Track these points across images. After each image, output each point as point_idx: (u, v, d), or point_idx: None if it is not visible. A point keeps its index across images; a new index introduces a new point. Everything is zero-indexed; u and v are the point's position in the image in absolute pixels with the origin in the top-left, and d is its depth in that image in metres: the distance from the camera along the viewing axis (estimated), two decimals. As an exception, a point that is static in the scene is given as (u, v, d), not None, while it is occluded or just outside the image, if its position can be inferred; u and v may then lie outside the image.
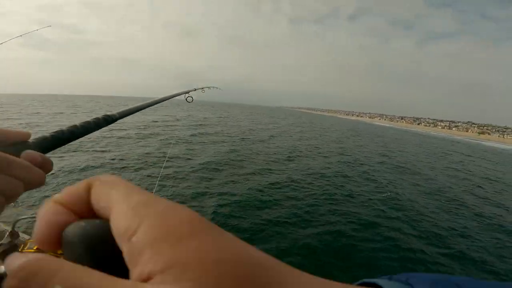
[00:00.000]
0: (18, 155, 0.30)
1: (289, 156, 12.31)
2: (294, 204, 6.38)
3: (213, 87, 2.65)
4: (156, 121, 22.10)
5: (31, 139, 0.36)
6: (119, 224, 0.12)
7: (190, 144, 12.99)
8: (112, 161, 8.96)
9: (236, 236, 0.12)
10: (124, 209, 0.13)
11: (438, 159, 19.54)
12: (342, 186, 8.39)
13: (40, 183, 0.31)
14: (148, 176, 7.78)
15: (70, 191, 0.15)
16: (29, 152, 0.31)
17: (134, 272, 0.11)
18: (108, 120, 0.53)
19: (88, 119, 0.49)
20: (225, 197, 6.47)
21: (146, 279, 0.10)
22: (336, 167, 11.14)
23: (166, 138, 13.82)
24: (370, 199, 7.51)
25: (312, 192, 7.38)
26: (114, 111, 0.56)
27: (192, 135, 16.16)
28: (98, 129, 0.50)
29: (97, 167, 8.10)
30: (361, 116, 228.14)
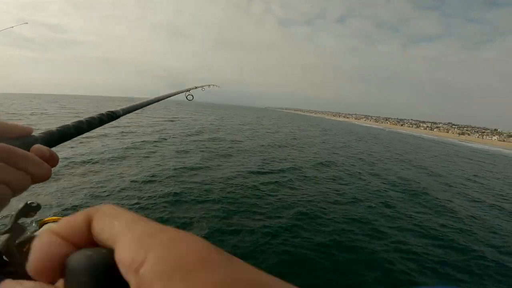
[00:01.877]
0: (28, 149, 0.30)
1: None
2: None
3: (213, 85, 2.64)
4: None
5: (38, 134, 0.36)
6: (125, 256, 0.12)
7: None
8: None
9: (246, 262, 0.12)
10: (128, 240, 0.12)
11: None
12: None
13: (47, 177, 0.31)
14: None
15: (68, 222, 0.15)
16: (39, 146, 0.32)
17: None
18: (112, 117, 0.54)
19: (93, 115, 0.50)
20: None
21: None
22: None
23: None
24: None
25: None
26: (118, 107, 0.57)
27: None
28: (102, 125, 0.51)
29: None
30: (347, 117, 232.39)
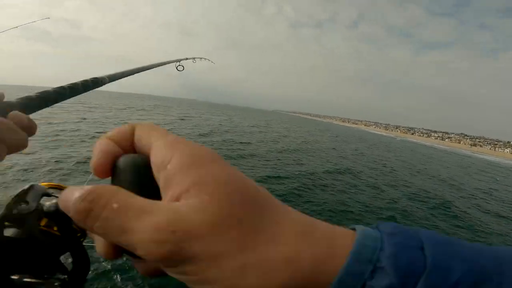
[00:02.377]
0: (4, 116, 0.27)
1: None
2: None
3: (205, 58, 2.50)
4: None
5: (15, 99, 0.33)
6: (157, 157, 0.17)
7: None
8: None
9: None
10: (161, 144, 0.17)
11: None
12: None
13: (23, 146, 0.28)
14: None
15: (119, 130, 0.20)
16: (16, 113, 0.29)
17: (167, 195, 0.16)
18: (96, 83, 0.52)
19: (76, 81, 0.48)
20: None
21: (176, 200, 0.15)
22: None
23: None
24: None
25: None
26: (104, 75, 0.56)
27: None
28: (85, 91, 0.49)
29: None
30: (356, 124, 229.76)
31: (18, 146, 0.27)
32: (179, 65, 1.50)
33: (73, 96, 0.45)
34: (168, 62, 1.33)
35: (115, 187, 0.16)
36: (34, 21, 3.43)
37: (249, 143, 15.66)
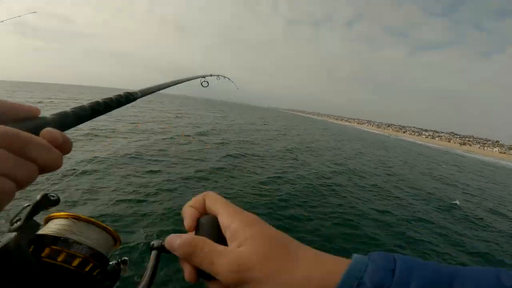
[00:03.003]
0: (37, 133, 0.26)
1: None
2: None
3: (227, 78, 2.69)
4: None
5: (49, 115, 0.31)
6: (224, 222, 0.28)
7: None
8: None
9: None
10: (226, 214, 0.29)
11: None
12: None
13: (57, 166, 0.26)
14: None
15: (196, 200, 0.32)
16: (50, 130, 0.27)
17: (233, 244, 0.26)
18: (129, 98, 0.52)
19: (111, 96, 0.47)
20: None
21: (239, 246, 0.26)
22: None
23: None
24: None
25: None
26: (136, 89, 0.57)
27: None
28: (119, 107, 0.49)
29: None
30: (350, 122, 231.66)
31: (51, 166, 0.25)
32: (204, 81, 1.59)
33: (107, 112, 0.44)
34: (194, 78, 1.43)
35: (202, 238, 0.27)
36: (20, 16, 3.28)
37: (250, 142, 15.02)
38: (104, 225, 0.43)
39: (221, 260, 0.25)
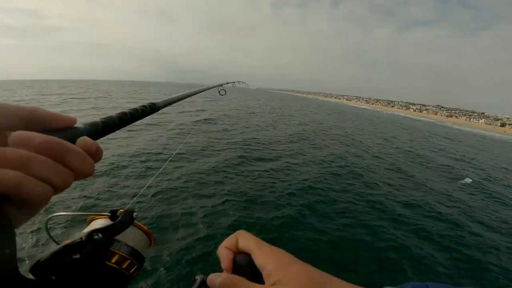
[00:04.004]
0: (73, 142, 0.27)
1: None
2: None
3: (243, 82, 3.61)
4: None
5: (81, 125, 0.32)
6: (259, 261, 0.29)
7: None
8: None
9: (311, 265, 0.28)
10: (260, 255, 0.29)
11: None
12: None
13: (90, 173, 0.28)
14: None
15: (230, 241, 0.32)
16: (86, 139, 0.28)
17: (268, 282, 0.27)
18: (153, 109, 0.54)
19: (136, 106, 0.49)
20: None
21: (273, 285, 0.26)
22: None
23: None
24: None
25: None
26: (158, 100, 0.59)
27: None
28: (143, 117, 0.50)
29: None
30: (339, 98, 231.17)
31: (85, 173, 0.27)
32: (221, 90, 1.79)
33: (133, 122, 0.46)
34: (212, 87, 1.60)
35: (239, 277, 0.28)
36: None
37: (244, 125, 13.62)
38: (142, 225, 0.43)
39: None
